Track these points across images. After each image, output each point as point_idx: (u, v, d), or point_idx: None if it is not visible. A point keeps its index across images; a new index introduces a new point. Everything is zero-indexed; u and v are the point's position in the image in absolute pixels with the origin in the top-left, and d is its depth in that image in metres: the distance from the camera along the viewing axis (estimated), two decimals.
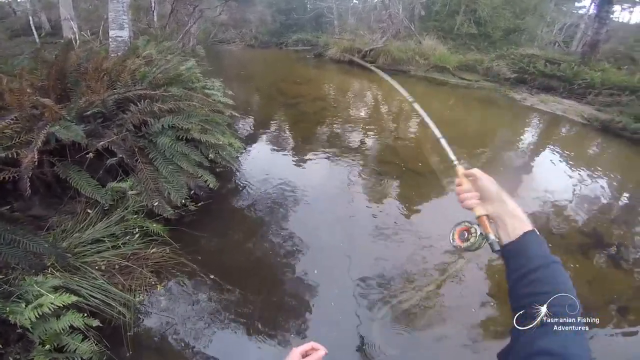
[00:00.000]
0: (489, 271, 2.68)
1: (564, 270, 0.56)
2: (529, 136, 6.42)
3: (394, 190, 3.81)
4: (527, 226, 0.61)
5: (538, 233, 0.61)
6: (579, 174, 4.63)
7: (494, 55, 11.01)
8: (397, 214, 3.34)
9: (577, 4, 18.59)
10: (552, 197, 3.86)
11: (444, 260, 2.73)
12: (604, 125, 6.71)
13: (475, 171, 0.71)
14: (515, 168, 4.75)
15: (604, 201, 3.98)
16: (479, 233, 0.66)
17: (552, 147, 5.71)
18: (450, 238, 0.71)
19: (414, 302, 2.33)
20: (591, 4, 14.73)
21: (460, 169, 0.75)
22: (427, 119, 0.90)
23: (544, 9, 14.05)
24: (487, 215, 0.67)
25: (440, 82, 9.96)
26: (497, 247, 0.64)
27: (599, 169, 4.88)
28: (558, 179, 4.39)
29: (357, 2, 21.76)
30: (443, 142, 0.83)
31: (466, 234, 0.68)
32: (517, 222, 0.62)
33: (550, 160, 5.13)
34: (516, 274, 0.58)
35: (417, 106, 0.98)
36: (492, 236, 0.65)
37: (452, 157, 0.79)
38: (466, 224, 0.69)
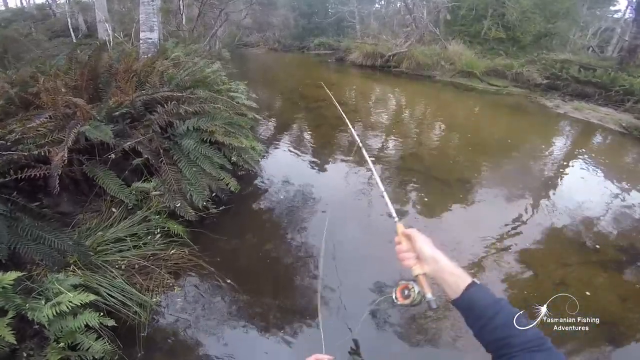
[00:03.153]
0: (510, 281, 2.54)
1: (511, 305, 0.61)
2: (562, 145, 6.06)
3: (416, 197, 3.68)
4: (467, 279, 0.64)
5: (478, 282, 0.64)
6: (616, 185, 4.33)
7: (524, 60, 10.61)
8: (418, 221, 3.23)
9: (611, 8, 17.68)
10: (587, 209, 3.61)
11: (466, 268, 2.58)
12: None
13: (412, 232, 0.72)
14: (547, 178, 4.49)
15: None
16: (417, 291, 0.69)
17: (587, 157, 5.36)
18: (393, 295, 0.73)
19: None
20: (627, 7, 14.08)
21: (400, 227, 0.76)
22: (372, 167, 1.03)
23: (576, 13, 13.40)
24: (425, 274, 0.68)
25: (467, 87, 9.66)
26: (434, 305, 0.67)
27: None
28: (594, 191, 4.10)
29: (379, 6, 21.66)
30: (385, 196, 0.88)
31: (406, 291, 0.70)
32: (456, 278, 0.64)
33: (586, 170, 4.82)
34: (477, 325, 0.61)
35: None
36: (429, 295, 0.67)
37: (394, 213, 0.82)
38: (405, 282, 0.72)
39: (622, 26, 14.28)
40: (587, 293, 2.48)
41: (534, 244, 3.01)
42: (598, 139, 6.62)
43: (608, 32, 16.13)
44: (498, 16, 12.29)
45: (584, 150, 5.79)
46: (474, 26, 12.88)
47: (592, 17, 16.20)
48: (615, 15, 17.18)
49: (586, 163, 5.07)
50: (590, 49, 13.89)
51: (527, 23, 12.01)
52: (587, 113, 7.65)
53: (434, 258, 0.67)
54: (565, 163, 5.11)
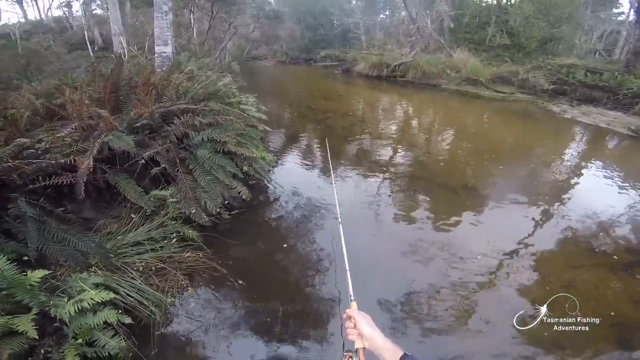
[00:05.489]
0: (522, 287, 2.54)
1: None
2: (571, 150, 6.03)
3: (424, 206, 3.70)
4: (400, 352, 0.80)
5: (409, 353, 0.79)
6: (628, 189, 4.28)
7: (530, 66, 10.61)
8: (427, 230, 3.24)
9: (615, 10, 17.44)
10: (598, 213, 3.58)
11: (475, 277, 2.61)
12: None
13: (356, 314, 0.90)
14: (557, 184, 4.47)
15: None
16: None
17: (597, 161, 5.33)
18: None
19: (443, 321, 2.23)
20: (630, 9, 13.93)
21: (353, 306, 0.95)
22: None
23: (579, 17, 13.38)
24: (364, 348, 0.86)
25: (474, 95, 9.71)
26: None
27: None
28: (604, 195, 4.06)
29: (384, 16, 22.03)
30: (348, 275, 1.10)
31: None
32: (391, 353, 0.80)
33: (596, 174, 4.78)
34: None
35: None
36: None
37: (351, 292, 1.04)
38: (350, 352, 0.88)
39: (627, 29, 14.10)
40: (597, 294, 2.47)
41: (547, 249, 2.99)
42: (607, 143, 6.55)
43: (614, 35, 15.99)
44: (502, 22, 12.39)
45: (593, 154, 5.75)
46: (478, 33, 13.00)
47: (596, 20, 16.03)
48: (620, 18, 17.02)
49: (596, 167, 5.03)
50: (597, 52, 13.82)
51: (531, 28, 12.06)
52: (595, 117, 7.60)
53: (372, 336, 0.85)
54: (575, 168, 5.09)
